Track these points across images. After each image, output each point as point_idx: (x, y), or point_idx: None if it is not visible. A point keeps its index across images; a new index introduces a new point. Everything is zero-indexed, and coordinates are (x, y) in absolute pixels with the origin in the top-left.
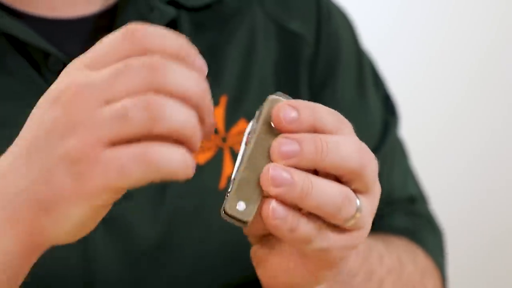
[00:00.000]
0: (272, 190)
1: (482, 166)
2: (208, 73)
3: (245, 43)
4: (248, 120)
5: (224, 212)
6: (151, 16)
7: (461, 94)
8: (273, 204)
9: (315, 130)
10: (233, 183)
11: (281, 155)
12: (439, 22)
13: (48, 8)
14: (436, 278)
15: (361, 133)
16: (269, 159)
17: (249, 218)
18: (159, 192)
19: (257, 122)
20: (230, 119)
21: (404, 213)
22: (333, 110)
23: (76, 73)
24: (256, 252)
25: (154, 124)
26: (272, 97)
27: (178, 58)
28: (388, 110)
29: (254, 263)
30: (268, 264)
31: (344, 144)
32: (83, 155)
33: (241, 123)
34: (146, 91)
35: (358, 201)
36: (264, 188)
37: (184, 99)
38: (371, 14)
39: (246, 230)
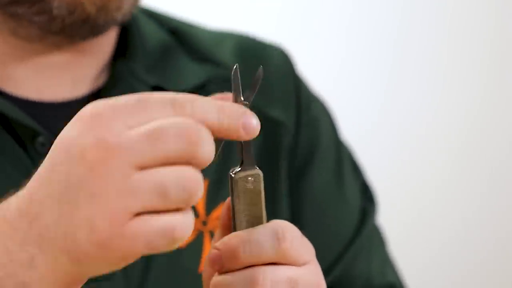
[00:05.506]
0: None
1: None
2: None
3: None
4: None
5: None
6: None
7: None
8: None
9: None
10: None
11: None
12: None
13: (35, 90)
14: None
15: (338, 221)
16: None
17: None
18: (140, 273)
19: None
20: (211, 203)
21: None
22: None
23: (107, 127)
24: None
25: (189, 203)
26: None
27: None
28: (367, 198)
29: None
30: None
31: None
32: (108, 227)
33: (221, 207)
34: (180, 161)
35: None
36: None
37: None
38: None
39: None
